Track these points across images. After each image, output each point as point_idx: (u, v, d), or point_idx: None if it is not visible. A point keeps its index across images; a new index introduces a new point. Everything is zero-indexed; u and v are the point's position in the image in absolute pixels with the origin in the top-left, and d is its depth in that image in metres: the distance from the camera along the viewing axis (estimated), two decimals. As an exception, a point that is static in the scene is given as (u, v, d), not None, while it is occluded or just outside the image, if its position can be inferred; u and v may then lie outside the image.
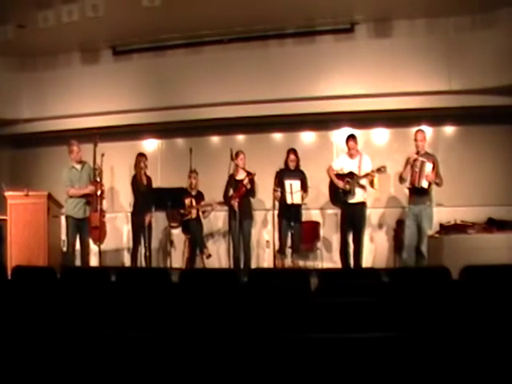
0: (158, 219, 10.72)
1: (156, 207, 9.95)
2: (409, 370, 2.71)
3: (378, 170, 8.89)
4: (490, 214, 9.78)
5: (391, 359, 2.70)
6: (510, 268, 4.97)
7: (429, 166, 8.56)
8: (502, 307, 3.82)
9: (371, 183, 8.97)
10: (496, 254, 8.16)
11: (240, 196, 9.60)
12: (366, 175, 8.96)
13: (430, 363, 2.78)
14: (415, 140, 8.86)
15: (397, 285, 4.89)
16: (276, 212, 9.51)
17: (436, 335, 2.95)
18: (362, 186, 9.06)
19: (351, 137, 9.37)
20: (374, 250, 10.62)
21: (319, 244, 10.69)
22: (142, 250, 10.00)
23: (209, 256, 10.20)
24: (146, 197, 9.82)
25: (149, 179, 10.15)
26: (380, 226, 10.72)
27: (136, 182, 10.05)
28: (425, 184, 8.59)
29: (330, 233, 10.81)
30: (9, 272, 6.00)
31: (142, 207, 9.87)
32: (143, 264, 9.95)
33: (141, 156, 10.16)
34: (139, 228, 9.95)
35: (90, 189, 9.15)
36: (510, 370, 2.76)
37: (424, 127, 9.80)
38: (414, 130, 9.26)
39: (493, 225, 9.44)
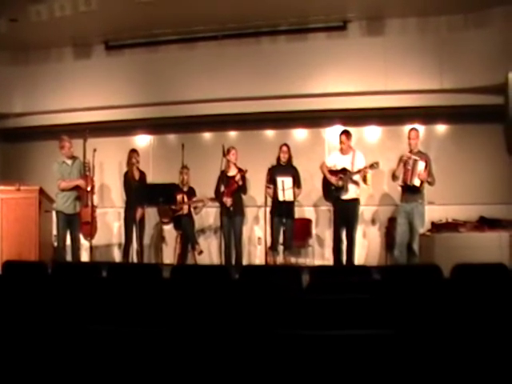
0: (149, 215, 10.72)
1: (147, 203, 9.93)
2: (399, 367, 2.71)
3: (371, 166, 8.91)
4: (482, 212, 9.79)
5: (382, 356, 2.70)
6: (500, 266, 4.99)
7: (421, 165, 8.60)
8: (493, 305, 3.83)
9: (364, 179, 8.98)
10: (487, 252, 8.17)
11: (231, 192, 9.59)
12: (359, 171, 8.98)
13: (421, 361, 2.79)
14: (408, 138, 8.90)
15: (388, 282, 4.90)
16: (268, 209, 9.51)
17: (427, 333, 2.96)
18: (355, 182, 9.08)
19: (344, 132, 9.38)
20: (366, 247, 10.64)
21: (311, 241, 10.72)
22: (133, 245, 9.98)
23: (200, 252, 10.19)
24: (138, 192, 9.80)
25: (142, 174, 10.13)
26: (372, 223, 10.75)
27: (127, 178, 10.04)
28: (417, 182, 8.62)
29: (323, 229, 10.84)
30: (-1, 267, 5.98)
31: (134, 203, 9.85)
32: (135, 260, 9.94)
33: (132, 152, 10.15)
34: (131, 223, 9.93)
35: (80, 181, 9.12)
36: (500, 366, 2.78)
37: (416, 125, 9.83)
38: (406, 128, 9.34)
39: (484, 223, 9.46)
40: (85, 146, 9.12)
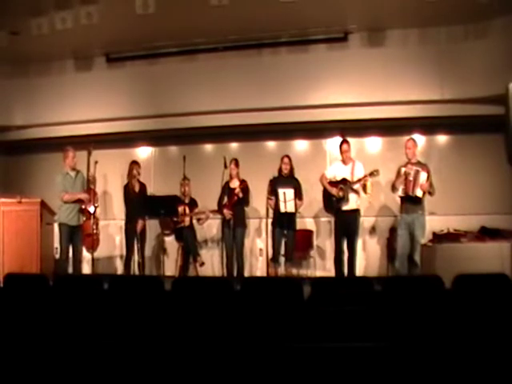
0: (150, 227, 10.73)
1: (149, 215, 9.93)
2: (402, 378, 2.71)
3: (371, 174, 8.90)
4: (483, 222, 9.80)
5: (383, 369, 2.70)
6: (502, 277, 4.98)
7: (423, 176, 8.59)
8: (495, 316, 3.83)
9: (364, 188, 8.98)
10: (489, 262, 8.18)
11: (232, 205, 9.61)
12: (359, 180, 8.97)
13: (423, 371, 2.79)
14: (405, 148, 8.92)
15: (389, 293, 4.90)
16: (270, 220, 9.51)
17: (429, 344, 2.96)
18: (356, 192, 9.07)
19: (344, 141, 9.41)
20: (367, 259, 10.63)
21: (312, 252, 10.71)
22: (135, 257, 9.98)
23: (202, 264, 10.18)
24: (138, 204, 9.81)
25: (143, 186, 10.14)
26: (373, 234, 10.73)
27: (128, 190, 10.04)
28: (419, 193, 8.61)
29: (324, 240, 10.83)
30: (1, 279, 5.98)
31: (135, 215, 9.86)
32: (136, 272, 9.93)
33: (133, 164, 10.16)
34: (132, 235, 9.93)
35: (83, 195, 9.14)
36: (502, 376, 2.77)
37: (416, 136, 9.85)
38: (406, 138, 9.30)
39: (485, 233, 9.46)
40: (89, 159, 9.11)
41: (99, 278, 5.90)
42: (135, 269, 10.00)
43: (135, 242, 9.94)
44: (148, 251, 10.81)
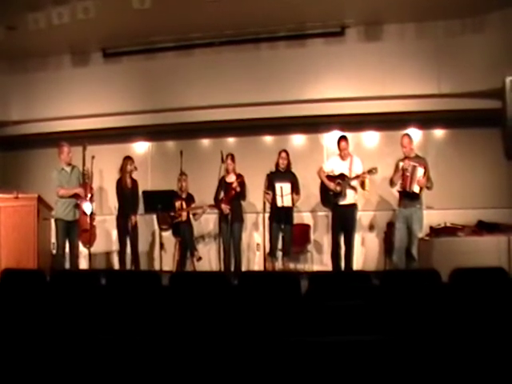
0: (147, 222, 10.72)
1: (146, 210, 9.91)
2: (398, 372, 2.71)
3: (370, 172, 8.90)
4: (480, 216, 9.80)
5: (380, 362, 2.70)
6: (499, 271, 4.99)
7: (420, 171, 8.57)
8: (492, 310, 3.83)
9: (362, 185, 8.97)
10: (486, 256, 8.18)
11: (229, 199, 9.59)
12: (357, 177, 8.97)
13: (420, 366, 2.79)
14: (401, 145, 8.87)
15: (387, 287, 4.90)
16: (267, 215, 9.50)
17: (426, 338, 2.96)
18: (353, 188, 9.07)
19: (343, 138, 9.38)
20: (365, 253, 10.63)
21: (310, 246, 10.71)
22: (128, 252, 9.96)
23: (199, 259, 10.18)
24: (131, 200, 9.82)
25: (134, 182, 10.09)
26: (371, 228, 10.74)
27: (120, 185, 10.01)
28: (416, 189, 8.60)
29: (321, 235, 10.85)
30: (-2, 275, 5.96)
31: (126, 210, 9.84)
32: (131, 267, 9.92)
33: (127, 159, 10.11)
34: (124, 231, 9.91)
35: (79, 190, 9.13)
36: (499, 370, 2.77)
37: (414, 130, 9.87)
38: (403, 133, 9.29)
39: (483, 227, 9.46)
40: (84, 154, 9.11)
41: (96, 273, 5.89)
42: (130, 264, 9.99)
43: (128, 238, 9.93)
44: (145, 246, 10.81)
